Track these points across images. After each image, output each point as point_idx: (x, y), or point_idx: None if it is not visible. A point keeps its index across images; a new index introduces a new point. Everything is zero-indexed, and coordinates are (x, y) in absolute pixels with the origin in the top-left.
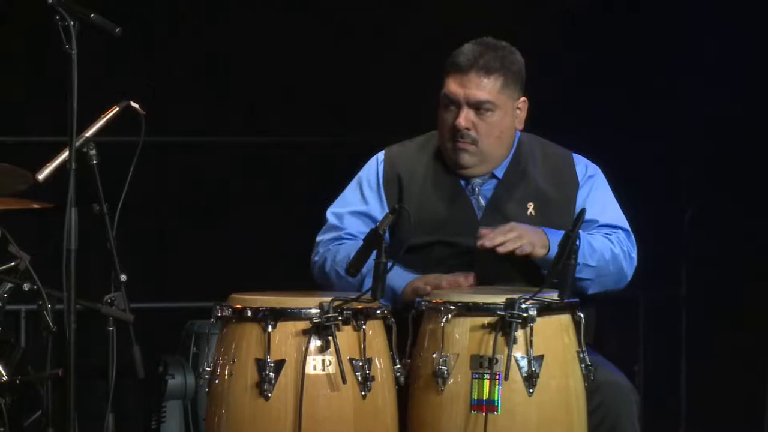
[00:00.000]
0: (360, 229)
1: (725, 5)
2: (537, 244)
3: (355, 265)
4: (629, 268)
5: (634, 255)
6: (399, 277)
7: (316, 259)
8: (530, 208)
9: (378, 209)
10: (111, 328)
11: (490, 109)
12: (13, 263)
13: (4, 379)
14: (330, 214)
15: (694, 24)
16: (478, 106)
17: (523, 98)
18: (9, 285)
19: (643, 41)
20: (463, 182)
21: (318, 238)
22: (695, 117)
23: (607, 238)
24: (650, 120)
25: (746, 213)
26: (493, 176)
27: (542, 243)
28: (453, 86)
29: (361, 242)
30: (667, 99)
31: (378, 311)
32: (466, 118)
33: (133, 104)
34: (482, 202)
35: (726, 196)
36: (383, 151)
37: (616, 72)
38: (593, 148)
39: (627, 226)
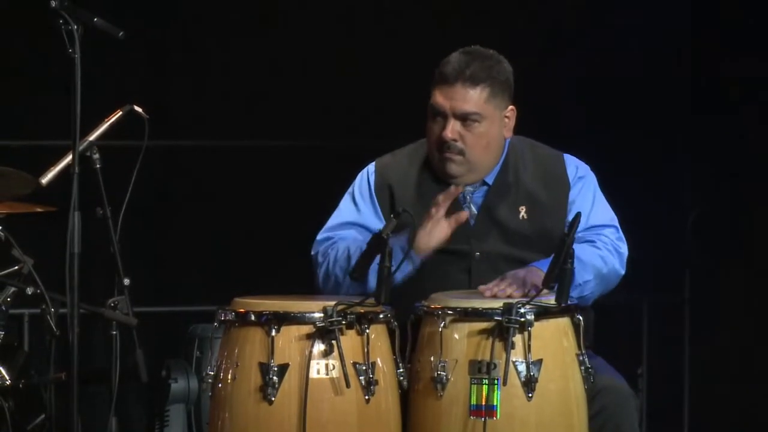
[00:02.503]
0: (354, 235)
1: None
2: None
3: (358, 269)
4: (621, 265)
5: (623, 249)
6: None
7: (319, 268)
8: (522, 212)
9: (372, 218)
10: (114, 332)
11: (476, 120)
12: (16, 267)
13: (8, 382)
14: (320, 234)
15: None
16: (464, 118)
17: (511, 107)
18: (12, 289)
19: (641, 45)
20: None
21: (312, 252)
22: (698, 120)
23: (592, 245)
24: (652, 123)
25: (749, 217)
26: (484, 183)
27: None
28: (439, 98)
29: (355, 239)
30: (668, 102)
31: (381, 315)
32: (452, 130)
33: (137, 108)
34: (474, 209)
35: (728, 200)
36: (373, 162)
37: (617, 74)
38: (595, 153)
39: (614, 222)
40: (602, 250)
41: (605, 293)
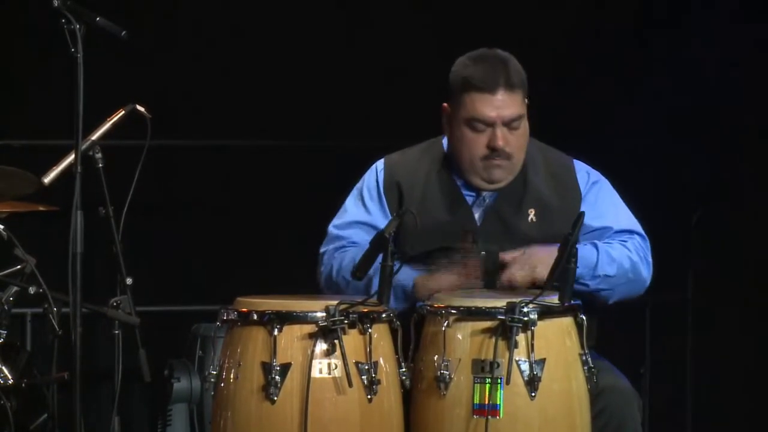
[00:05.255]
0: (363, 238)
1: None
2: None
3: (361, 268)
4: (648, 273)
5: (650, 259)
6: (404, 274)
7: (322, 269)
8: (531, 214)
9: (380, 218)
10: (117, 332)
11: (520, 123)
12: (18, 266)
13: (10, 382)
14: (331, 228)
15: (693, 24)
16: (510, 123)
17: (526, 101)
18: (15, 288)
19: (645, 41)
20: (472, 191)
21: (321, 250)
22: (698, 121)
23: (624, 245)
24: (653, 124)
25: (752, 216)
26: None
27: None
28: (483, 108)
29: (362, 249)
30: (670, 101)
31: (384, 315)
32: (503, 137)
33: (139, 107)
34: (485, 209)
35: (732, 199)
36: (382, 159)
37: (619, 76)
38: (597, 153)
39: (641, 229)
40: (633, 253)
41: (628, 298)
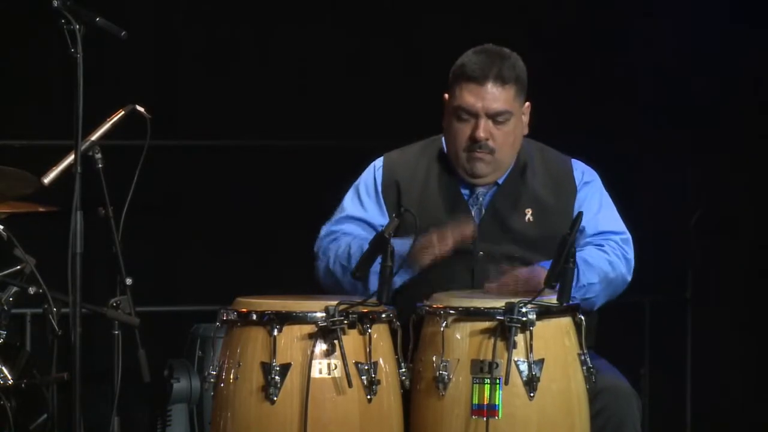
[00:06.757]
0: (357, 232)
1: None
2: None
3: (360, 268)
4: (628, 271)
5: (630, 256)
6: (397, 245)
7: (319, 263)
8: (528, 214)
9: (377, 216)
10: (116, 332)
11: (507, 119)
12: (18, 267)
13: (10, 382)
14: (325, 226)
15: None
16: (496, 117)
17: (527, 103)
18: (14, 288)
19: (642, 45)
20: (468, 190)
21: (315, 248)
22: (699, 119)
23: (600, 249)
24: (653, 122)
25: (752, 216)
26: (495, 183)
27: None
28: (469, 98)
29: (356, 237)
30: (669, 101)
31: (383, 315)
32: (485, 129)
33: (139, 108)
34: (482, 208)
35: (732, 199)
36: (381, 158)
37: (616, 74)
38: (597, 152)
39: (622, 228)
40: (610, 255)
41: (611, 299)
